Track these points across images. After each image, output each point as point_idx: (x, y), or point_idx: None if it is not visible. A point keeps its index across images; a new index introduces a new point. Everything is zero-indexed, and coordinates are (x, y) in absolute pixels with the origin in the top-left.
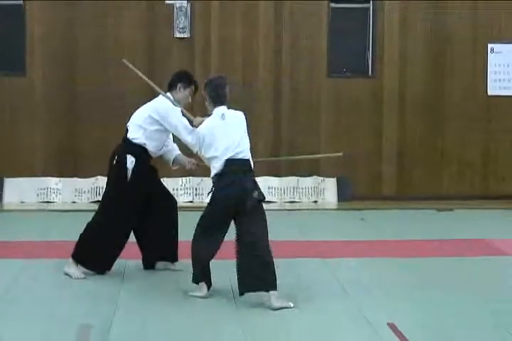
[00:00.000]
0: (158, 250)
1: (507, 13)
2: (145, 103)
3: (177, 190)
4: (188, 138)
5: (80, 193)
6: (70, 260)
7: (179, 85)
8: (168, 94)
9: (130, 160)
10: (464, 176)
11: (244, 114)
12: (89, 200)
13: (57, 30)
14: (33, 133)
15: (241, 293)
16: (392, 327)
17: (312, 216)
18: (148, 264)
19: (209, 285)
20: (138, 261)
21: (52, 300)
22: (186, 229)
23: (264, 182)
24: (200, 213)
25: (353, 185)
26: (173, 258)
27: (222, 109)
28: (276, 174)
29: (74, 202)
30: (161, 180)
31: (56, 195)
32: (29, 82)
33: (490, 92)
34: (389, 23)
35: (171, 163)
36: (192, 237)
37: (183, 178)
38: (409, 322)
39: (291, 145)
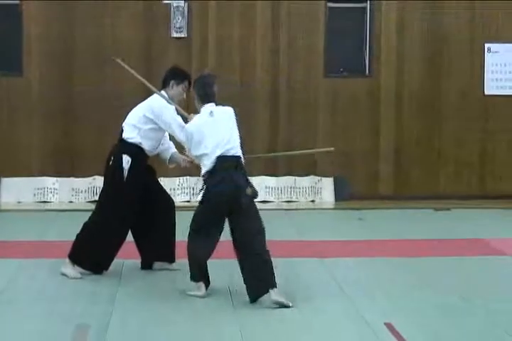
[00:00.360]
0: (156, 250)
1: (504, 12)
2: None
3: (174, 189)
4: (181, 137)
5: (77, 193)
6: (67, 260)
7: (172, 82)
8: (163, 91)
9: (126, 160)
10: (461, 176)
11: (240, 112)
12: (87, 200)
13: (55, 29)
14: (30, 133)
15: (253, 300)
16: (390, 327)
17: (309, 215)
18: (146, 264)
19: (207, 284)
20: (135, 261)
21: (49, 300)
22: (183, 228)
23: (261, 182)
24: None
25: (350, 184)
26: (170, 258)
27: (210, 107)
28: (273, 173)
29: (71, 202)
30: (158, 179)
31: (53, 195)
32: (26, 82)
33: (487, 92)
34: (386, 22)
35: (167, 162)
36: (188, 237)
37: (180, 178)
38: (406, 322)
39: (289, 144)
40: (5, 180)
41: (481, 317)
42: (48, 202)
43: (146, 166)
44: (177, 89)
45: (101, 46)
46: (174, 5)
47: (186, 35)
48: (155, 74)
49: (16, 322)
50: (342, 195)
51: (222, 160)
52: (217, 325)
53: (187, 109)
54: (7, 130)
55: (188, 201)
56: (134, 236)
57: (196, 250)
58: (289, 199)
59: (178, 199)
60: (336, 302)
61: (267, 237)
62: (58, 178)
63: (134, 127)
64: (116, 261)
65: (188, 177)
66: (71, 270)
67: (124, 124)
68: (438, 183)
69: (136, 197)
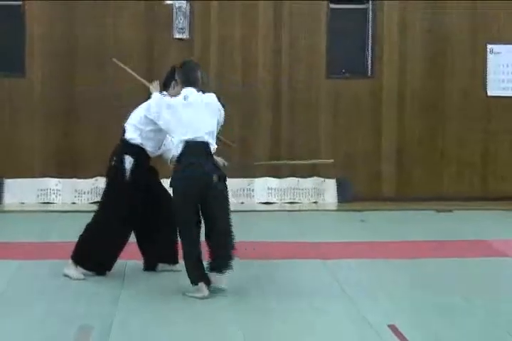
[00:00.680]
0: (159, 252)
1: (506, 13)
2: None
3: None
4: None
5: (80, 194)
6: (70, 261)
7: (173, 83)
8: (165, 92)
9: (128, 161)
10: (463, 176)
11: (242, 112)
12: (89, 201)
13: (57, 30)
14: (32, 134)
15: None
16: (393, 328)
17: (312, 217)
18: (149, 266)
19: (208, 283)
20: (138, 262)
21: (51, 301)
22: None
23: (264, 183)
24: None
25: (352, 185)
26: (173, 259)
27: (187, 91)
28: (276, 175)
29: (74, 203)
30: (161, 180)
31: (56, 196)
32: (28, 83)
33: (489, 93)
34: (388, 23)
35: (169, 162)
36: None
37: None
38: (409, 323)
39: (291, 145)
40: (8, 181)
41: (483, 318)
42: (50, 203)
43: (149, 167)
44: (178, 89)
45: (103, 46)
46: (176, 6)
47: (188, 37)
48: (157, 74)
49: (17, 323)
50: (345, 196)
51: (190, 145)
52: (219, 325)
53: None
54: (9, 131)
55: None
56: (136, 238)
57: (186, 247)
58: (292, 201)
59: None
60: (339, 304)
61: (271, 238)
62: (61, 179)
63: (135, 128)
64: (119, 262)
65: None
66: (74, 271)
67: (125, 124)
68: (441, 184)
69: (138, 198)
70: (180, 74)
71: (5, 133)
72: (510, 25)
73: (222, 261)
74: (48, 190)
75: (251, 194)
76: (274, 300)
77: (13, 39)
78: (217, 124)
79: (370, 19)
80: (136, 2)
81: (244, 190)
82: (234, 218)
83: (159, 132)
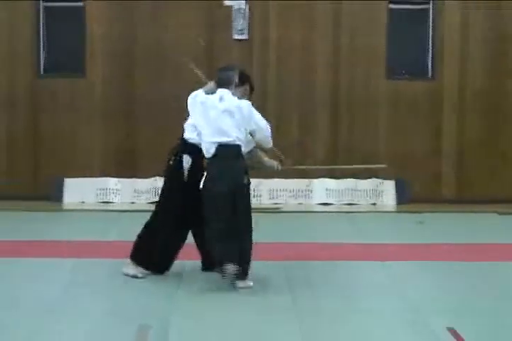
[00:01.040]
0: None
1: None
2: None
3: None
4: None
5: (139, 194)
6: (128, 260)
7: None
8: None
9: (186, 160)
10: None
11: (300, 112)
12: (148, 201)
13: (117, 30)
14: (93, 134)
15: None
16: (453, 332)
17: (370, 218)
18: (207, 266)
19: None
20: (196, 262)
21: (111, 300)
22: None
23: (322, 184)
24: (258, 214)
25: (411, 186)
26: None
27: (222, 92)
28: (334, 176)
29: (133, 203)
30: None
31: (115, 196)
32: (89, 83)
33: None
34: (449, 23)
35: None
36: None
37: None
38: (470, 327)
39: (349, 146)
40: (68, 180)
41: None
42: (110, 202)
43: (204, 167)
44: (236, 93)
45: (162, 47)
46: (236, 7)
47: (247, 38)
48: (216, 76)
49: (77, 321)
50: (403, 197)
51: (221, 148)
52: (277, 324)
53: None
54: (70, 131)
55: None
56: (194, 238)
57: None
58: (350, 202)
59: None
60: (397, 306)
61: (328, 240)
62: (120, 179)
63: (194, 128)
64: (179, 262)
65: None
66: (133, 270)
67: (185, 124)
68: (502, 186)
69: (195, 197)
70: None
71: (65, 133)
72: None
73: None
74: (108, 190)
75: (309, 195)
76: (330, 301)
77: (75, 40)
78: (246, 130)
79: (431, 19)
80: (196, 3)
81: (302, 191)
82: (292, 218)
83: None
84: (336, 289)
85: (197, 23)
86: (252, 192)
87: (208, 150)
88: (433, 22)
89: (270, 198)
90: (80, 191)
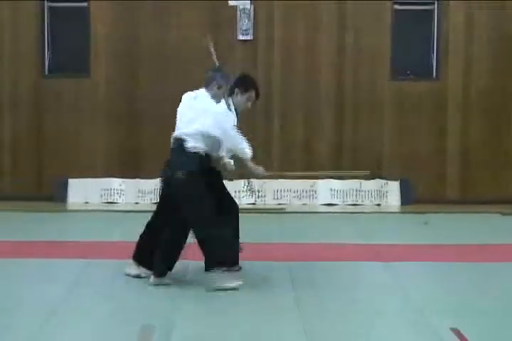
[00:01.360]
0: None
1: None
2: None
3: (239, 192)
4: None
5: (143, 194)
6: (131, 261)
7: (236, 90)
8: (229, 99)
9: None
10: None
11: (305, 112)
12: (152, 201)
13: (120, 30)
14: (97, 134)
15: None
16: (456, 332)
17: (375, 219)
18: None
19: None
20: (199, 262)
21: (113, 300)
22: (248, 230)
23: (327, 185)
24: (263, 215)
25: (416, 187)
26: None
27: (198, 91)
28: (339, 176)
29: (137, 203)
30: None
31: (119, 196)
32: (93, 83)
33: None
34: (453, 24)
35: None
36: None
37: (245, 180)
38: (473, 327)
39: (354, 145)
40: (72, 181)
41: None
42: (114, 203)
43: (211, 168)
44: (241, 98)
45: (166, 47)
46: (240, 7)
47: (252, 38)
48: None
49: (79, 322)
50: (407, 198)
51: (174, 140)
52: (280, 324)
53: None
54: (74, 131)
55: (254, 203)
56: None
57: None
58: (355, 203)
59: (243, 201)
60: (400, 306)
61: (332, 240)
62: (124, 180)
63: None
64: (183, 262)
65: (253, 179)
66: (135, 270)
67: None
68: (506, 186)
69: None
70: None
71: (69, 133)
72: None
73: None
74: (112, 190)
75: (314, 195)
76: (334, 302)
77: (79, 40)
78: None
79: (435, 20)
80: (200, 3)
81: (306, 192)
82: (296, 219)
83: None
84: (340, 289)
85: (201, 23)
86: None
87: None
88: (437, 22)
89: (274, 198)
90: (83, 191)
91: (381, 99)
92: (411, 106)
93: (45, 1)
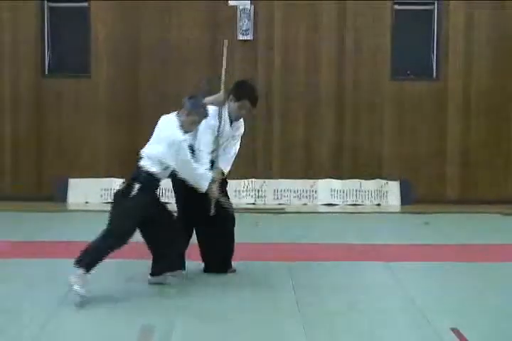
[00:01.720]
0: (217, 259)
1: None
2: None
3: (239, 191)
4: None
5: None
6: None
7: (230, 97)
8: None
9: None
10: None
11: (305, 113)
12: None
13: (121, 31)
14: (97, 135)
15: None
16: (456, 332)
17: (375, 219)
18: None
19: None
20: (199, 262)
21: (114, 300)
22: (247, 230)
23: (327, 185)
24: (262, 214)
25: (416, 187)
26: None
27: (169, 115)
28: (339, 176)
29: None
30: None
31: None
32: (94, 84)
33: None
34: (453, 24)
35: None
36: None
37: (246, 180)
38: (473, 327)
39: (354, 146)
40: (72, 180)
41: None
42: None
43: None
44: (233, 106)
45: (166, 47)
46: (240, 7)
47: (252, 38)
48: None
49: (80, 322)
50: (407, 198)
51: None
52: (281, 324)
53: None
54: (74, 131)
55: (254, 203)
56: (197, 238)
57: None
58: (355, 203)
59: (244, 201)
60: (400, 306)
61: (333, 240)
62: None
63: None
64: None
65: (253, 179)
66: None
67: None
68: (506, 186)
69: (197, 197)
70: None
71: (70, 133)
72: None
73: None
74: (112, 190)
75: (314, 195)
76: (334, 302)
77: (79, 40)
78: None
79: (436, 20)
80: (200, 3)
81: (307, 192)
82: (296, 219)
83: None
84: (340, 289)
85: (201, 24)
86: (256, 193)
87: None
88: (437, 22)
89: (275, 198)
90: (84, 191)
91: (381, 99)
92: (411, 106)
93: (45, 1)
